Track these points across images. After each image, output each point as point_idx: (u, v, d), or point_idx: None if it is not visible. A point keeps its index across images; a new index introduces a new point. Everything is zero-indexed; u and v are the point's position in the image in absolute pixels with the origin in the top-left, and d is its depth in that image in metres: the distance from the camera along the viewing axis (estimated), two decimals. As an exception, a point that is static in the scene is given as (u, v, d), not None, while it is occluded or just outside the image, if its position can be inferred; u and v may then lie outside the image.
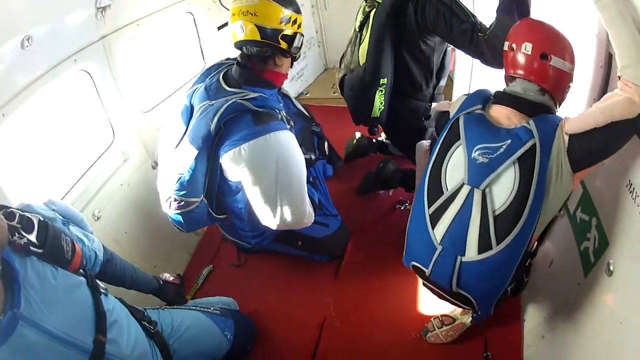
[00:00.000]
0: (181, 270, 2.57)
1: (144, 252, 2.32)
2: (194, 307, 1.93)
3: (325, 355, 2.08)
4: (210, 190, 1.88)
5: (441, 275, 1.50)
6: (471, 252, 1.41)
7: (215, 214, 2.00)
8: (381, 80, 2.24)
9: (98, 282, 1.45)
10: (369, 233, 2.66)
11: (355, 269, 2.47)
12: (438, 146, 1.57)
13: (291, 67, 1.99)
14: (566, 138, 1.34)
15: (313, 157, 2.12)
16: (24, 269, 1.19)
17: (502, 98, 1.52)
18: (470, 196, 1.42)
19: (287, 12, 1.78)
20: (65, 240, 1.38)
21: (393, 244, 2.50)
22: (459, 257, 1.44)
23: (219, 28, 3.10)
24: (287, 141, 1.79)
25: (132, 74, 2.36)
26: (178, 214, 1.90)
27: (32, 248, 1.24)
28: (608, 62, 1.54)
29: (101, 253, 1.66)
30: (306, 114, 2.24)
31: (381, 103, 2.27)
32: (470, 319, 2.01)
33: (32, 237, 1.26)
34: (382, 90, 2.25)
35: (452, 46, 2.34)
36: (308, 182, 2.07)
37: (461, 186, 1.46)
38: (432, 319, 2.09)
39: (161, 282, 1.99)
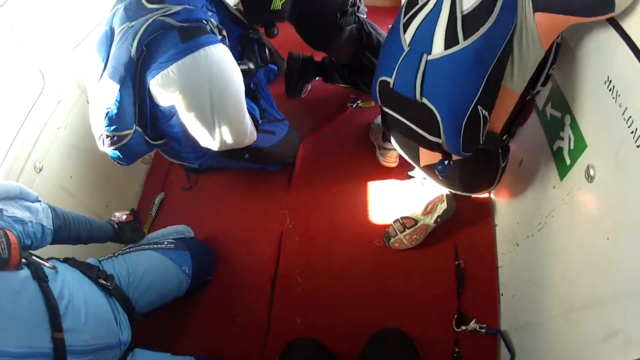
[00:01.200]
0: (134, 204, 2.47)
1: (94, 193, 2.19)
2: (147, 247, 1.83)
3: (286, 274, 2.05)
4: (143, 118, 1.70)
5: (405, 80, 1.41)
6: (437, 49, 1.32)
7: (152, 141, 1.83)
8: None
9: (42, 261, 1.34)
10: (321, 136, 2.52)
11: (309, 175, 2.37)
12: None
13: None
14: None
15: (252, 66, 1.90)
16: None
17: None
18: (440, 0, 1.34)
19: None
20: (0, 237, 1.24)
21: (347, 145, 2.45)
22: (424, 56, 1.35)
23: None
24: (219, 56, 1.58)
25: (54, 11, 2.08)
26: (113, 149, 1.72)
27: None
28: None
29: (49, 221, 1.53)
30: (242, 19, 1.96)
31: None
32: (434, 218, 1.94)
33: None
34: None
35: None
36: (247, 95, 1.89)
37: None
38: (392, 223, 2.04)
39: (116, 226, 1.87)
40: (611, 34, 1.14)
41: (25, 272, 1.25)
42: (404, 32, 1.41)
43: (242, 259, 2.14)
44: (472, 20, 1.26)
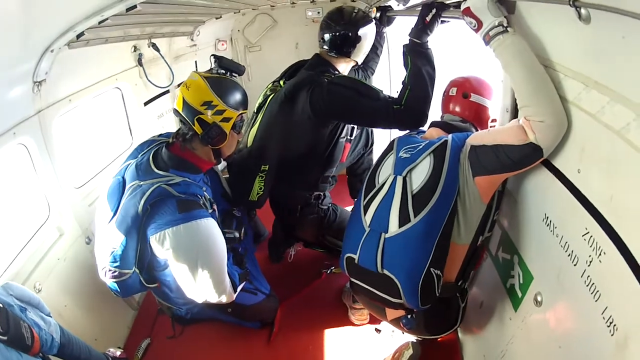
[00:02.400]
0: (121, 343, 2.47)
1: (85, 324, 2.21)
2: None
3: None
4: (142, 263, 1.96)
5: (367, 256, 1.67)
6: (393, 227, 1.62)
7: (146, 283, 2.05)
8: (262, 166, 2.34)
9: None
10: (298, 298, 2.72)
11: (286, 334, 2.49)
12: (376, 161, 1.91)
13: (217, 159, 2.09)
14: (468, 147, 1.61)
15: (237, 235, 2.24)
16: None
17: (434, 124, 1.94)
18: (394, 182, 1.70)
19: (214, 98, 1.91)
20: (24, 327, 1.42)
21: (321, 306, 2.69)
22: (382, 235, 1.63)
23: (145, 104, 3.20)
24: (207, 229, 1.91)
25: (65, 149, 2.35)
26: (113, 282, 1.95)
27: None
28: (514, 106, 1.69)
29: (58, 336, 1.69)
30: (230, 196, 2.38)
31: (260, 188, 2.37)
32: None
33: None
34: (262, 177, 2.35)
35: (348, 137, 2.53)
36: (235, 259, 2.27)
37: (389, 177, 1.74)
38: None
39: (110, 359, 1.98)
40: (544, 173, 1.46)
41: None
42: (364, 213, 1.74)
43: None
44: (421, 198, 1.62)
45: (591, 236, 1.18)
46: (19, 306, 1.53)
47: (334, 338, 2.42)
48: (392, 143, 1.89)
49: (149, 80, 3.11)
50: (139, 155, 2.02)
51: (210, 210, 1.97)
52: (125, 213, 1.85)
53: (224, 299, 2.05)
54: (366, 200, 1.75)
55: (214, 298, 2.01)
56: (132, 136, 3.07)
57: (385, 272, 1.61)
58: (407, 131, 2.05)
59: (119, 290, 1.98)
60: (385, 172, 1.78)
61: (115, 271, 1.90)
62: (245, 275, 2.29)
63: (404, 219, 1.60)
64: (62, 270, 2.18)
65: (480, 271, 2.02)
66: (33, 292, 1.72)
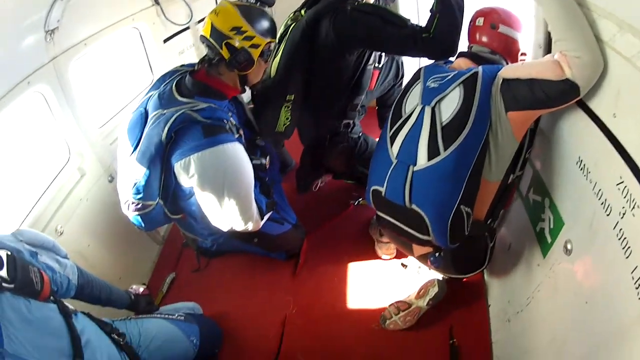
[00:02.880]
0: (146, 279, 2.57)
1: (108, 263, 2.30)
2: (159, 316, 1.93)
3: (288, 353, 2.08)
4: (166, 193, 1.94)
5: (395, 189, 1.61)
6: (421, 160, 1.55)
7: (171, 215, 2.05)
8: (288, 96, 2.25)
9: (66, 303, 1.46)
10: (324, 230, 2.69)
11: (312, 265, 2.49)
12: (402, 89, 1.80)
13: (242, 87, 2.02)
14: (500, 80, 1.49)
15: (263, 161, 2.16)
16: (0, 307, 1.18)
17: (463, 54, 1.82)
18: (422, 113, 1.60)
19: (244, 24, 1.83)
20: (33, 272, 1.37)
21: (348, 238, 2.64)
22: (410, 167, 1.56)
23: (165, 41, 3.09)
24: (234, 153, 1.85)
25: (83, 91, 2.32)
26: (136, 215, 1.95)
27: (3, 284, 1.23)
28: (547, 41, 1.62)
29: (75, 277, 1.67)
30: (254, 125, 2.27)
31: (287, 118, 2.29)
32: (427, 301, 2.02)
33: (3, 273, 1.25)
34: (288, 107, 2.27)
35: (376, 64, 2.40)
36: (263, 189, 2.20)
37: (416, 107, 1.64)
38: (388, 307, 2.12)
39: (132, 297, 1.99)
40: (579, 114, 1.36)
41: (53, 306, 1.39)
42: (391, 144, 1.66)
43: (247, 338, 2.18)
44: (451, 130, 1.51)
45: (625, 186, 1.08)
46: (29, 251, 1.51)
47: (359, 271, 2.40)
48: (418, 72, 1.78)
49: (167, 19, 2.98)
50: (162, 86, 1.95)
51: (236, 136, 1.90)
52: (148, 142, 1.81)
53: (250, 227, 2.03)
54: (392, 130, 1.68)
55: (240, 226, 1.99)
56: (153, 73, 3.01)
57: (414, 207, 1.56)
58: (435, 61, 1.93)
59: (143, 224, 1.99)
60: (412, 102, 1.68)
61: (138, 203, 1.90)
62: (272, 204, 2.27)
63: (433, 151, 1.52)
64: (84, 210, 2.23)
65: (510, 212, 1.92)
66: (47, 236, 1.68)
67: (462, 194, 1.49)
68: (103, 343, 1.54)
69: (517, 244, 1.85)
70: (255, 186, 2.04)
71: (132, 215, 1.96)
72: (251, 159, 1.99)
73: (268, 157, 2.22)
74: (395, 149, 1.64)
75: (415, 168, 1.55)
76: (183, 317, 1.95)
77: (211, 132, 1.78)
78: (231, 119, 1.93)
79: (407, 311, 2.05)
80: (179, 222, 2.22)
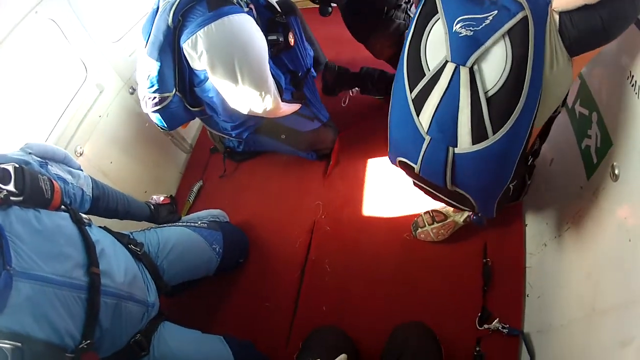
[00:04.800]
0: (173, 191, 2.59)
1: (133, 178, 2.32)
2: (181, 224, 1.91)
3: (316, 262, 2.10)
4: (182, 83, 1.93)
5: (432, 170, 1.36)
6: (464, 143, 1.24)
7: (191, 107, 2.05)
8: None
9: (81, 214, 1.44)
10: (357, 129, 2.54)
11: (344, 169, 2.40)
12: (414, 22, 1.32)
13: None
14: (556, 17, 1.10)
15: (280, 38, 2.01)
16: (7, 222, 1.16)
17: None
18: (456, 75, 1.21)
19: None
20: (43, 180, 1.33)
21: (382, 139, 2.40)
22: (450, 149, 1.27)
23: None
24: (240, 23, 1.78)
25: (96, 9, 2.20)
26: (155, 111, 1.96)
27: (12, 198, 1.20)
28: None
29: (89, 189, 1.63)
30: (276, 7, 2.06)
31: None
32: (464, 217, 1.92)
33: (11, 187, 1.22)
34: None
35: None
36: (292, 81, 2.12)
37: (444, 64, 1.24)
38: (422, 214, 2.02)
39: (152, 207, 1.98)
40: (633, 30, 1.12)
41: (65, 214, 1.38)
42: (417, 112, 1.32)
43: (274, 245, 2.21)
44: (500, 106, 1.17)
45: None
46: (38, 162, 1.45)
47: (394, 176, 2.20)
48: (430, 3, 1.27)
49: None
50: None
51: (245, 9, 1.81)
52: (157, 31, 1.79)
53: (269, 105, 1.94)
54: (415, 93, 1.31)
55: (258, 103, 1.92)
56: None
57: (456, 189, 1.35)
58: None
59: (164, 122, 2.00)
60: (437, 54, 1.26)
61: (155, 97, 1.90)
62: (301, 96, 2.18)
63: (479, 133, 1.21)
64: (105, 126, 2.22)
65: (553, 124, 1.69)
66: (58, 147, 1.62)
67: (513, 174, 1.26)
68: (119, 253, 1.52)
69: (560, 161, 1.65)
70: (285, 79, 2.01)
71: (152, 114, 1.97)
72: (267, 36, 1.91)
73: (291, 36, 2.07)
74: (424, 121, 1.31)
75: (457, 151, 1.26)
76: (206, 225, 1.94)
77: (216, 4, 1.73)
78: None
79: (442, 224, 1.95)
80: (201, 116, 2.19)
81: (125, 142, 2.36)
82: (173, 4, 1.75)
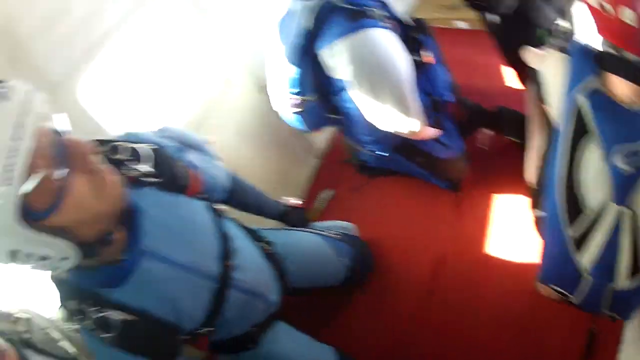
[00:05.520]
0: (300, 195, 2.61)
1: (260, 177, 2.24)
2: (311, 230, 1.92)
3: (435, 293, 2.04)
4: (321, 88, 1.93)
5: (590, 304, 1.34)
6: (623, 282, 1.21)
7: (330, 114, 2.06)
8: None
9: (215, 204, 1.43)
10: (489, 166, 2.39)
11: (474, 203, 2.29)
12: (560, 138, 1.20)
13: None
14: None
15: (418, 58, 1.94)
16: (143, 202, 1.15)
17: (616, 66, 1.06)
18: (619, 218, 1.13)
19: None
20: (180, 166, 1.32)
21: (515, 182, 2.17)
22: (609, 286, 1.24)
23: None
24: (382, 38, 1.73)
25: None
26: (295, 113, 2.00)
27: (149, 179, 1.19)
28: None
29: (224, 179, 1.60)
30: (411, 22, 1.99)
31: None
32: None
33: (148, 167, 1.21)
34: None
35: None
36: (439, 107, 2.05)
37: (606, 204, 1.14)
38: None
39: (284, 208, 1.94)
40: None
41: (201, 203, 1.35)
42: (577, 247, 1.22)
43: (397, 268, 2.18)
44: None
45: None
46: (175, 147, 1.43)
47: (524, 221, 2.02)
48: (574, 105, 1.12)
49: None
50: None
51: (384, 24, 1.77)
52: (295, 35, 1.80)
53: (414, 126, 1.85)
54: (574, 231, 1.22)
55: (401, 122, 1.84)
56: None
57: (611, 313, 1.32)
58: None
59: (303, 121, 2.03)
60: (595, 189, 1.15)
61: (295, 99, 1.93)
62: (439, 122, 2.09)
63: (636, 270, 1.18)
64: (233, 121, 2.27)
65: None
66: (195, 134, 1.64)
67: None
68: (251, 248, 1.51)
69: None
70: (426, 101, 1.94)
71: (292, 115, 2.01)
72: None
73: (428, 55, 1.99)
74: (586, 261, 1.23)
75: (615, 287, 1.23)
76: (337, 236, 1.91)
77: (356, 16, 1.70)
78: (376, 8, 1.78)
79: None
80: (339, 123, 2.17)
81: (252, 139, 2.39)
82: (312, 9, 1.75)
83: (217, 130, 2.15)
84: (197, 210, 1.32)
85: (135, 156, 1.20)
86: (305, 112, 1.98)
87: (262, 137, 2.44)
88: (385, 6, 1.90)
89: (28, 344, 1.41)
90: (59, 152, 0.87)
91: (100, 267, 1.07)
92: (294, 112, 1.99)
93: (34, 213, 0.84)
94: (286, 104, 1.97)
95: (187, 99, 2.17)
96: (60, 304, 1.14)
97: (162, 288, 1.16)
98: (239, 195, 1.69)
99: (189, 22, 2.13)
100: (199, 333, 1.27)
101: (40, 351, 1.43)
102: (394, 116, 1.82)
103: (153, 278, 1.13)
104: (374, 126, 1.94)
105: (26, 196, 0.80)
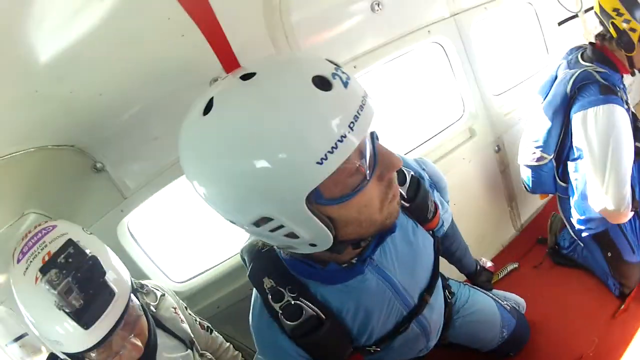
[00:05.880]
0: (488, 259, 2.63)
1: (464, 229, 2.24)
2: (489, 294, 1.99)
3: None
4: (561, 151, 2.16)
5: None
6: None
7: (559, 179, 2.26)
8: None
9: None
10: None
11: (632, 316, 2.19)
12: None
13: (632, 69, 2.06)
14: None
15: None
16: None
17: None
18: None
19: (621, 8, 1.92)
20: (431, 200, 1.38)
21: None
22: None
23: (559, 24, 2.91)
24: (624, 117, 1.93)
25: (481, 55, 2.50)
26: (529, 167, 2.27)
27: (401, 201, 1.22)
28: None
29: (448, 224, 1.67)
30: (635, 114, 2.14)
31: None
32: None
33: (403, 190, 1.29)
34: None
35: None
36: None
37: None
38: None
39: (478, 267, 2.04)
40: None
41: (431, 240, 1.41)
42: None
43: (539, 356, 2.16)
44: None
45: None
46: (429, 181, 1.52)
47: None
48: None
49: (560, 3, 2.76)
50: (569, 56, 2.20)
51: (625, 107, 1.96)
52: (554, 94, 2.08)
53: (622, 207, 1.99)
54: None
55: (614, 201, 1.97)
56: (548, 52, 2.94)
57: None
58: None
59: (531, 182, 2.29)
60: None
61: (535, 153, 2.19)
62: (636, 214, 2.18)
63: None
64: (464, 169, 2.42)
65: None
66: (443, 175, 1.71)
67: None
68: (441, 292, 1.57)
69: None
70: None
71: (525, 168, 2.28)
72: None
73: None
74: None
75: None
76: (508, 308, 1.99)
77: (607, 91, 1.92)
78: (622, 92, 2.00)
79: None
80: (561, 194, 2.34)
81: (469, 192, 2.54)
82: (572, 75, 2.00)
83: (446, 172, 2.16)
84: (427, 244, 1.38)
85: (402, 179, 1.30)
86: (537, 170, 2.23)
87: (481, 193, 2.58)
88: (625, 93, 2.11)
89: (153, 317, 1.49)
90: (372, 155, 0.92)
91: (330, 262, 1.12)
92: (527, 165, 2.25)
93: (321, 197, 0.88)
94: (526, 156, 2.22)
95: (428, 132, 2.38)
96: (251, 275, 1.22)
97: (367, 299, 1.22)
98: (449, 242, 1.80)
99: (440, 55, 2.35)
100: (366, 350, 1.33)
101: (161, 326, 1.52)
102: (611, 194, 1.97)
103: (366, 287, 1.20)
104: (588, 205, 2.11)
105: (327, 180, 0.83)
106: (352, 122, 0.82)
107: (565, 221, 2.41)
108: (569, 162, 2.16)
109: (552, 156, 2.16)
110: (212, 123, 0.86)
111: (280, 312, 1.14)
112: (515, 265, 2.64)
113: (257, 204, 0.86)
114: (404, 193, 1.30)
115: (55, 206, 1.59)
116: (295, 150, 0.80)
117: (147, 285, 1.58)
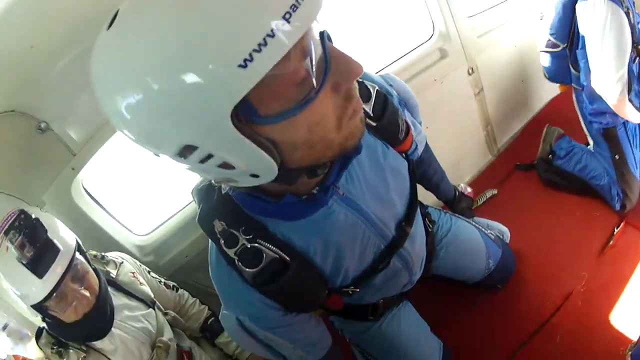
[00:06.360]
0: (463, 186, 2.56)
1: (442, 156, 2.13)
2: (472, 223, 1.90)
3: (553, 328, 2.00)
4: (572, 41, 2.17)
5: None
6: None
7: (572, 69, 2.26)
8: None
9: None
10: None
11: (621, 254, 2.16)
12: None
13: None
14: None
15: None
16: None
17: None
18: None
19: None
20: (401, 118, 1.21)
21: None
22: None
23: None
24: (617, 9, 1.91)
25: None
26: (546, 52, 2.29)
27: (366, 119, 1.06)
28: None
29: (422, 147, 1.52)
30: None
31: None
32: None
33: (368, 108, 1.11)
34: None
35: None
36: None
37: None
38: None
39: (457, 193, 1.93)
40: None
41: (405, 162, 1.26)
42: None
43: (526, 291, 2.15)
44: None
45: None
46: (398, 98, 1.33)
47: None
48: None
49: None
50: None
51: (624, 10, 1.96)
52: None
53: (615, 94, 2.02)
54: None
55: (608, 83, 2.02)
56: None
57: None
58: None
59: (549, 66, 2.31)
60: None
61: (549, 40, 2.22)
62: None
63: None
64: (435, 91, 2.31)
65: None
66: (413, 93, 1.47)
67: None
68: (420, 221, 1.44)
69: None
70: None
71: (544, 53, 2.30)
72: None
73: None
74: None
75: None
76: (493, 237, 1.91)
77: None
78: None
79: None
80: (576, 86, 2.33)
81: (441, 115, 2.43)
82: None
83: (416, 94, 2.04)
84: (400, 169, 1.22)
85: (364, 93, 1.11)
86: (555, 56, 2.26)
87: (449, 117, 2.48)
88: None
89: (113, 283, 1.62)
90: (323, 60, 0.72)
91: (287, 195, 0.94)
92: (544, 51, 2.28)
93: (255, 114, 0.69)
94: (543, 42, 2.25)
95: (396, 52, 2.26)
96: (200, 219, 1.04)
97: (336, 234, 1.06)
98: (425, 166, 1.66)
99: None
100: (344, 291, 1.21)
101: (121, 290, 1.65)
102: (608, 74, 2.00)
103: (332, 221, 1.03)
104: (596, 95, 2.11)
105: (256, 89, 0.63)
106: (288, 12, 0.60)
107: (579, 114, 2.43)
108: (577, 51, 2.18)
109: (565, 45, 2.20)
110: (110, 38, 0.67)
111: (237, 258, 0.97)
112: (494, 192, 2.60)
113: (173, 130, 0.67)
114: (369, 110, 1.11)
115: (6, 177, 1.58)
116: (209, 50, 0.60)
117: (106, 256, 1.71)
